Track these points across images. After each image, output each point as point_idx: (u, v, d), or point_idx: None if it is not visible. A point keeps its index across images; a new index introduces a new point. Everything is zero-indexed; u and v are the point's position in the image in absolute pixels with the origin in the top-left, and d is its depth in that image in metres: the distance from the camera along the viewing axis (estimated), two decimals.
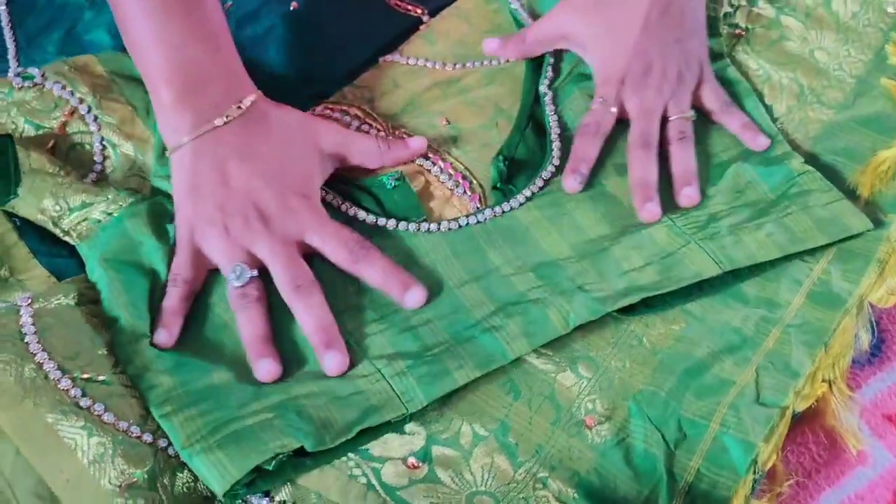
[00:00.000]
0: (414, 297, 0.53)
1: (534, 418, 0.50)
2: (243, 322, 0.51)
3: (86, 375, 0.48)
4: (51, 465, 0.44)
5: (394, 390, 0.50)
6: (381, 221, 0.57)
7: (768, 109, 0.66)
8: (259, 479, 0.46)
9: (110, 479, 0.44)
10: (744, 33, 0.70)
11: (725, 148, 0.63)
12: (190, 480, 0.46)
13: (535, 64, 0.67)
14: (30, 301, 0.50)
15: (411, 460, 0.48)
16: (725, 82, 0.66)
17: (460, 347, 0.52)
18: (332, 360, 0.49)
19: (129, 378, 0.49)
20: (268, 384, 0.50)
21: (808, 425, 0.53)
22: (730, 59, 0.68)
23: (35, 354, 0.48)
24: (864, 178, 0.61)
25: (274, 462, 0.46)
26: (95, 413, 0.46)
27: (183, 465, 0.46)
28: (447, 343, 0.52)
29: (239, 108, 0.54)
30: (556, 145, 0.62)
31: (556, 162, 0.61)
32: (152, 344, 0.50)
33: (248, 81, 0.57)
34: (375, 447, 0.48)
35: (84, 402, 0.46)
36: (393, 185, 0.59)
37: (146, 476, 0.45)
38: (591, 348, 0.53)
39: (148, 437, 0.47)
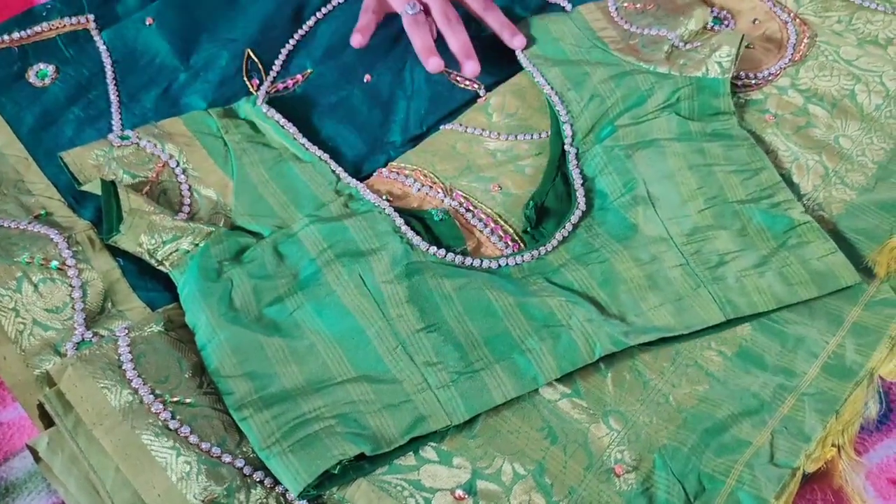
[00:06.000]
0: (519, 40, 0.76)
1: (568, 462, 0.56)
2: (417, 36, 0.74)
3: (175, 399, 0.54)
4: (145, 481, 0.51)
5: (439, 401, 0.56)
6: (432, 250, 0.64)
7: (795, 187, 0.71)
8: (326, 479, 0.53)
9: (195, 495, 0.50)
10: (774, 118, 0.76)
11: (736, 193, 0.69)
12: (262, 497, 0.52)
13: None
14: (127, 331, 0.57)
15: (458, 492, 0.53)
16: (729, 137, 0.72)
17: (498, 366, 0.58)
18: (470, 65, 0.74)
19: (211, 382, 0.56)
20: (330, 385, 0.56)
21: (817, 483, 0.58)
22: (757, 139, 0.74)
23: (131, 381, 0.54)
24: (880, 258, 0.66)
25: (338, 467, 0.52)
26: (182, 434, 0.53)
27: (257, 483, 0.53)
28: (486, 359, 0.58)
29: None
30: (579, 193, 0.69)
31: (583, 207, 0.68)
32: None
33: None
34: (427, 478, 0.54)
35: (173, 425, 0.53)
36: (440, 217, 0.67)
37: (225, 492, 0.51)
38: (622, 404, 0.59)
39: (227, 458, 0.53)
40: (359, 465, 0.54)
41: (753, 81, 0.78)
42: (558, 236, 0.66)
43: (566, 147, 0.71)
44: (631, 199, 0.68)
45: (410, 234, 0.64)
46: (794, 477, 0.56)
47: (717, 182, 0.69)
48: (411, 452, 0.55)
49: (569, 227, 0.67)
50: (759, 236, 0.66)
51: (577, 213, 0.67)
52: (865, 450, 0.60)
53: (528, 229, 0.67)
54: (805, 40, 0.81)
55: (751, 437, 0.57)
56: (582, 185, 0.69)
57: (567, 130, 0.72)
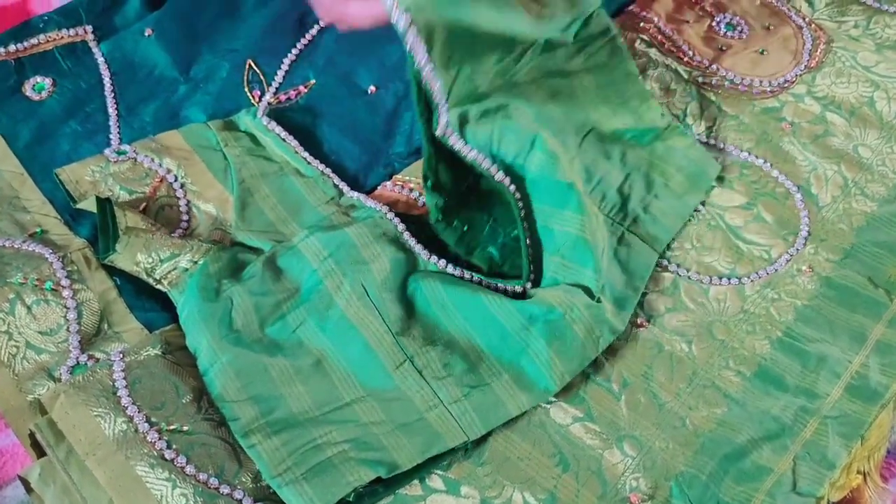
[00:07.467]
0: None
1: (581, 491, 0.53)
2: None
3: (171, 426, 0.52)
4: None
5: (453, 417, 0.54)
6: (433, 259, 0.62)
7: (814, 198, 0.69)
8: None
9: None
10: (790, 126, 0.74)
11: (602, 114, 0.67)
12: None
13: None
14: (122, 355, 0.55)
15: None
16: (592, 39, 0.66)
17: (507, 375, 0.56)
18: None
19: (211, 407, 0.54)
20: (340, 407, 0.54)
21: None
22: (774, 147, 0.72)
23: (126, 408, 0.52)
24: None
25: (353, 494, 0.50)
26: (179, 465, 0.51)
27: None
28: (494, 368, 0.56)
29: None
30: (510, 189, 0.61)
31: (522, 213, 0.62)
32: None
33: None
34: None
35: (169, 455, 0.51)
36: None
37: None
38: (636, 428, 0.56)
39: (225, 489, 0.51)
40: (373, 490, 0.52)
41: (769, 89, 0.76)
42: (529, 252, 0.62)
43: (442, 133, 0.61)
44: (544, 155, 0.61)
45: (412, 242, 0.63)
46: None
47: (582, 109, 0.66)
48: (417, 481, 0.53)
49: (525, 233, 0.62)
50: (634, 156, 0.67)
51: (522, 226, 0.62)
52: (893, 476, 0.58)
53: (440, 218, 0.63)
54: (821, 46, 0.79)
55: (772, 463, 0.55)
56: (505, 175, 0.61)
57: (442, 117, 0.60)
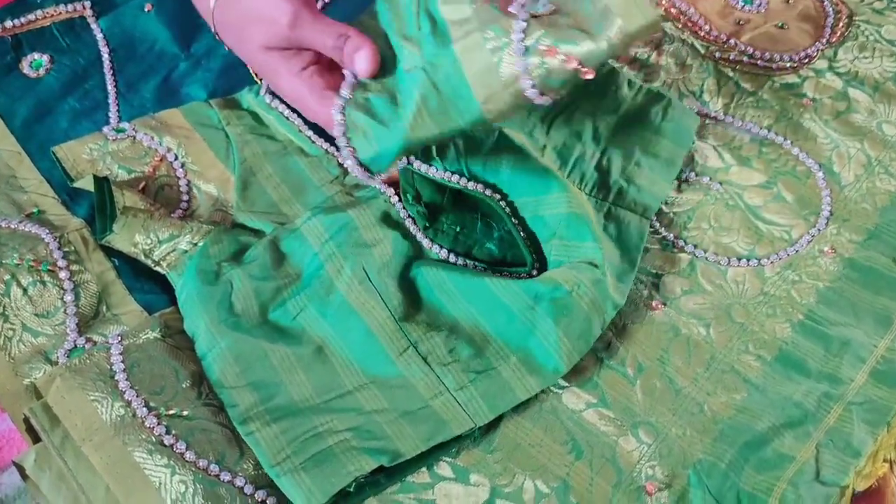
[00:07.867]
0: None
1: (595, 479, 0.52)
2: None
3: (171, 411, 0.51)
4: (137, 503, 0.47)
5: (459, 404, 0.52)
6: (435, 248, 0.60)
7: (836, 177, 0.67)
8: (340, 498, 0.49)
9: None
10: (811, 103, 0.71)
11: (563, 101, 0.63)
12: None
13: None
14: (120, 338, 0.54)
15: None
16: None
17: (514, 357, 0.54)
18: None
19: (212, 392, 0.52)
20: (342, 395, 0.53)
21: (866, 503, 0.54)
22: (795, 124, 0.69)
23: (124, 392, 0.51)
24: None
25: (353, 484, 0.49)
26: (178, 451, 0.49)
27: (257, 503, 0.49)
28: (502, 352, 0.54)
29: None
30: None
31: (512, 219, 0.61)
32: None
33: None
34: (441, 498, 0.50)
35: (168, 440, 0.49)
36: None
37: None
38: (652, 414, 0.54)
39: (226, 476, 0.49)
40: (374, 480, 0.50)
41: (789, 64, 0.74)
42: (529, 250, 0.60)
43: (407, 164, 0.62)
44: (511, 150, 0.60)
45: (414, 228, 0.61)
46: (842, 496, 0.51)
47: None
48: (425, 469, 0.51)
49: (518, 228, 0.61)
50: (603, 124, 0.62)
51: (513, 223, 0.61)
52: None
53: (428, 225, 0.61)
54: (843, 20, 0.76)
55: (794, 451, 0.53)
56: (477, 183, 0.61)
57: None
